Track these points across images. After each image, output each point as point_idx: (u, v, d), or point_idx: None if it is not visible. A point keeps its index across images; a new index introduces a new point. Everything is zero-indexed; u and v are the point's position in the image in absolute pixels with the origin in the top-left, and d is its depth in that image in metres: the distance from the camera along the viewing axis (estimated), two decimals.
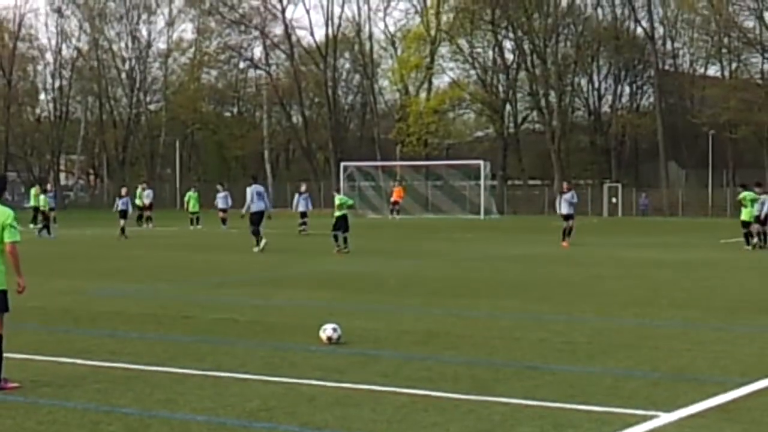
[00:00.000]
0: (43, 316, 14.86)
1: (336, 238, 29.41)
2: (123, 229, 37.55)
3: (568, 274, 22.35)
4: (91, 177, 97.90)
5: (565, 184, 36.52)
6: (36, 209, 40.99)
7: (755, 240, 31.02)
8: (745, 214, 31.43)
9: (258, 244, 29.15)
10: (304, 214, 40.07)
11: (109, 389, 9.56)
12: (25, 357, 11.18)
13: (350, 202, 32.74)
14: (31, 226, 40.96)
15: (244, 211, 30.50)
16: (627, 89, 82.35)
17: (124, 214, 38.62)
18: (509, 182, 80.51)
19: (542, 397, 9.17)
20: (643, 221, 60.48)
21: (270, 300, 17.22)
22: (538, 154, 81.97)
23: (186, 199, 49.60)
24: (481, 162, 65.97)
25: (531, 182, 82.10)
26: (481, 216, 61.39)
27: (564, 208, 33.64)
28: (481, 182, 64.50)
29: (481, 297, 17.67)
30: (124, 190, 40.74)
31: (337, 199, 30.65)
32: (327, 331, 12.12)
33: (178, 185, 74.12)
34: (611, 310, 15.72)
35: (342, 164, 68.99)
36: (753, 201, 31.09)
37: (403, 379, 10.07)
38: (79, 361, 10.95)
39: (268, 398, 9.16)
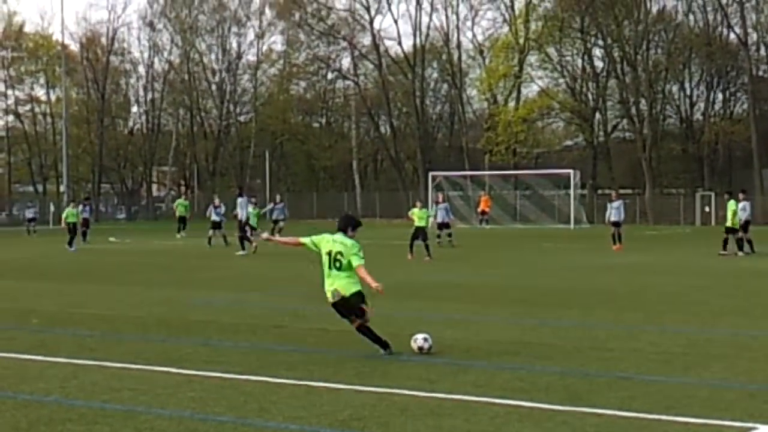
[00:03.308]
0: (140, 325, 15.12)
1: (411, 247, 31.74)
2: (210, 240, 38.61)
3: (660, 284, 22.05)
4: (183, 188, 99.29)
5: (613, 194, 39.78)
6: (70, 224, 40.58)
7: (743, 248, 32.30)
8: (730, 221, 32.83)
9: (244, 248, 33.65)
10: (446, 225, 39.06)
11: (204, 397, 9.69)
12: (124, 366, 11.40)
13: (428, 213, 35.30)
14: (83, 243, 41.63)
15: (241, 217, 34.96)
16: (720, 96, 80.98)
17: (218, 225, 39.14)
18: (599, 191, 79.66)
19: (637, 409, 9.06)
20: None
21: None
22: (629, 163, 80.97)
23: (175, 205, 50.14)
24: (571, 171, 65.45)
25: (621, 191, 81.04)
26: (571, 225, 60.89)
27: (613, 216, 36.60)
28: (571, 191, 64.01)
29: (573, 307, 17.53)
30: (217, 200, 41.18)
31: (417, 212, 33.09)
32: (418, 341, 12.14)
33: (267, 196, 74.68)
34: (706, 320, 15.48)
35: (430, 174, 69.00)
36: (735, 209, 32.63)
37: (495, 389, 10.03)
38: (174, 370, 11.11)
39: (361, 408, 9.19)
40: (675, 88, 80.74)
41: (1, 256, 34.94)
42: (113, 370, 11.22)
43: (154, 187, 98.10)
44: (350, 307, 12.24)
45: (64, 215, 40.75)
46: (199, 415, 8.95)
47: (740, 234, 32.60)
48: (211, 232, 39.09)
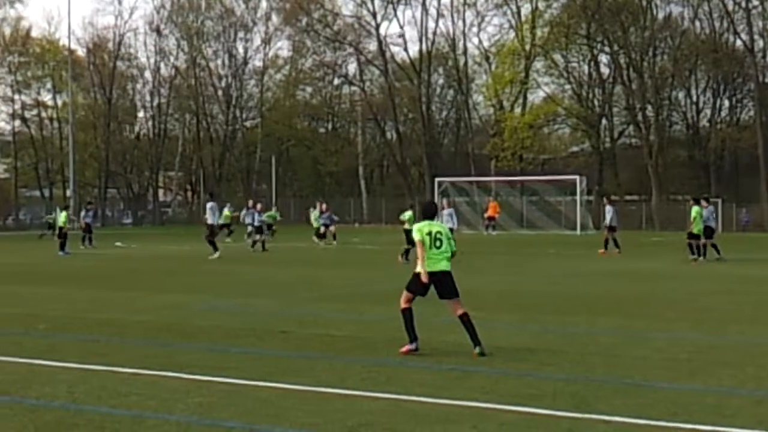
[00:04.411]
0: (147, 330, 15.13)
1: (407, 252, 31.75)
2: (254, 243, 40.05)
3: (667, 290, 22.04)
4: (189, 193, 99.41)
5: (605, 199, 40.98)
6: (60, 228, 40.71)
7: (697, 255, 32.71)
8: (695, 228, 33.10)
9: (214, 253, 34.12)
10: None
11: (212, 403, 9.69)
12: (131, 371, 11.41)
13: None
14: (82, 247, 41.79)
15: (212, 221, 35.61)
16: (726, 103, 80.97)
17: (260, 229, 40.74)
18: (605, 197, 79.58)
19: (644, 415, 9.05)
20: (744, 237, 59.35)
21: (365, 315, 17.29)
22: (635, 169, 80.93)
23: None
24: (577, 177, 65.39)
25: (628, 197, 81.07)
26: (578, 231, 60.88)
27: (610, 221, 37.83)
28: (577, 197, 63.99)
29: (579, 313, 17.51)
30: (251, 202, 42.20)
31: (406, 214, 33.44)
32: None
33: (273, 201, 74.77)
34: (713, 327, 15.46)
35: (436, 180, 69.00)
36: (700, 215, 33.09)
37: (502, 395, 10.02)
38: (181, 375, 11.11)
39: (369, 414, 9.19)
40: (681, 95, 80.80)
41: (7, 261, 34.99)
42: (120, 375, 11.23)
43: (161, 192, 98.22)
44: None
45: (61, 220, 41.06)
46: (206, 420, 8.96)
47: (703, 240, 32.86)
48: (258, 236, 40.53)
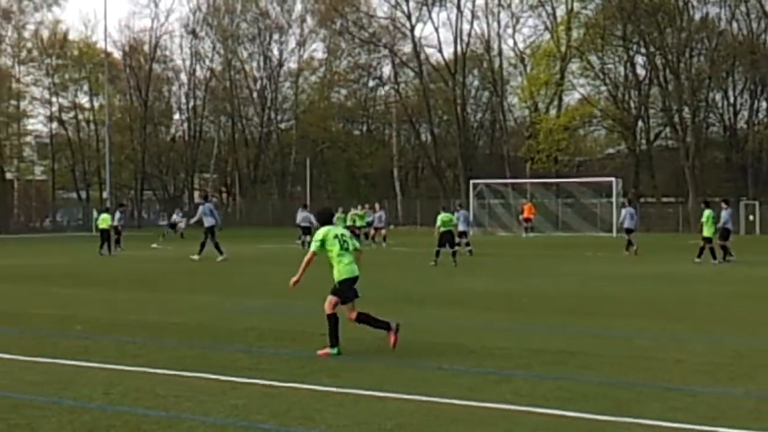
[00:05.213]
0: (182, 332, 15.18)
1: (438, 254, 31.88)
2: (303, 243, 40.78)
3: (705, 294, 21.86)
4: (224, 195, 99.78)
5: (624, 201, 41.95)
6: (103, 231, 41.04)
7: (718, 258, 32.80)
8: (707, 231, 33.42)
9: (203, 256, 34.32)
10: (463, 234, 37.56)
11: (247, 405, 9.69)
12: (166, 372, 11.44)
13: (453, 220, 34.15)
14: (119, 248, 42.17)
15: (192, 221, 36.56)
16: (764, 104, 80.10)
17: (307, 230, 41.12)
18: (641, 199, 79.15)
19: (682, 419, 8.97)
20: None
21: (402, 317, 17.17)
22: (672, 171, 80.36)
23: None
24: (613, 179, 65.07)
25: (664, 199, 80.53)
26: (613, 234, 60.52)
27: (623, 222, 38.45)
28: (613, 199, 63.64)
29: (615, 316, 17.40)
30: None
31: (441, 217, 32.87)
32: None
33: (308, 203, 74.88)
34: (753, 331, 15.31)
35: (471, 182, 68.87)
36: (711, 219, 33.50)
37: (537, 398, 9.96)
38: (216, 377, 11.13)
39: (405, 417, 9.16)
40: (718, 96, 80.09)
41: (45, 263, 35.24)
42: (156, 376, 11.26)
43: (196, 193, 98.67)
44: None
45: (99, 221, 41.52)
46: (242, 422, 8.96)
47: (719, 242, 33.11)
48: (305, 237, 41.16)
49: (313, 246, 13.39)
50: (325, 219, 13.75)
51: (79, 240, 56.36)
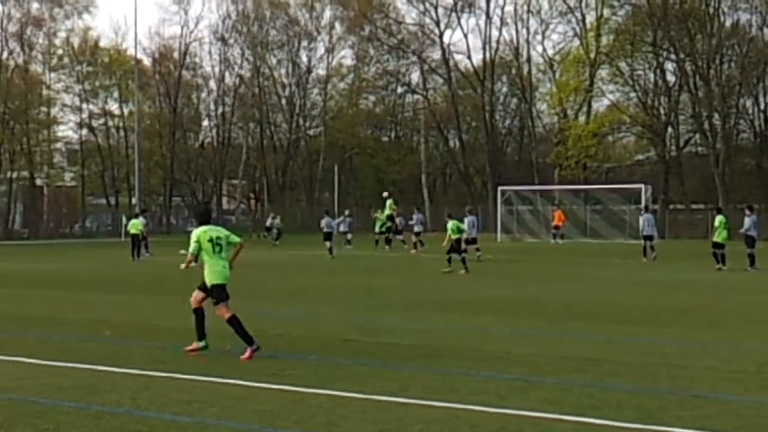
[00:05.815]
0: (209, 337, 15.16)
1: (450, 260, 31.75)
2: (330, 250, 41.16)
3: (734, 301, 21.72)
4: (252, 201, 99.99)
5: (643, 208, 42.79)
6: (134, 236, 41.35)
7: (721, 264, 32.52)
8: (718, 237, 33.12)
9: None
10: (472, 240, 37.51)
11: (273, 411, 9.70)
12: (194, 378, 11.48)
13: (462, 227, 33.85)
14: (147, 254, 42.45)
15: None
16: None
17: (328, 236, 41.90)
18: (671, 206, 78.74)
19: (710, 427, 8.91)
20: None
21: (428, 324, 17.22)
22: (702, 178, 79.85)
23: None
24: (642, 186, 64.65)
25: (694, 206, 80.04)
26: (642, 241, 60.13)
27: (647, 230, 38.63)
28: (642, 206, 63.23)
29: (643, 323, 17.31)
30: (347, 212, 44.39)
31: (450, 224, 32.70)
32: None
33: (336, 209, 74.98)
34: None
35: (499, 188, 68.69)
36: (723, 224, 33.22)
37: (565, 406, 9.91)
38: (243, 383, 11.15)
39: (429, 423, 9.14)
40: (749, 103, 79.59)
41: (75, 267, 35.44)
42: (183, 382, 11.30)
43: (224, 200, 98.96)
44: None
45: (129, 227, 41.93)
46: (267, 428, 8.97)
47: (747, 250, 32.85)
48: (326, 243, 41.85)
49: (192, 248, 13.41)
50: (204, 219, 13.85)
51: (108, 245, 56.67)
